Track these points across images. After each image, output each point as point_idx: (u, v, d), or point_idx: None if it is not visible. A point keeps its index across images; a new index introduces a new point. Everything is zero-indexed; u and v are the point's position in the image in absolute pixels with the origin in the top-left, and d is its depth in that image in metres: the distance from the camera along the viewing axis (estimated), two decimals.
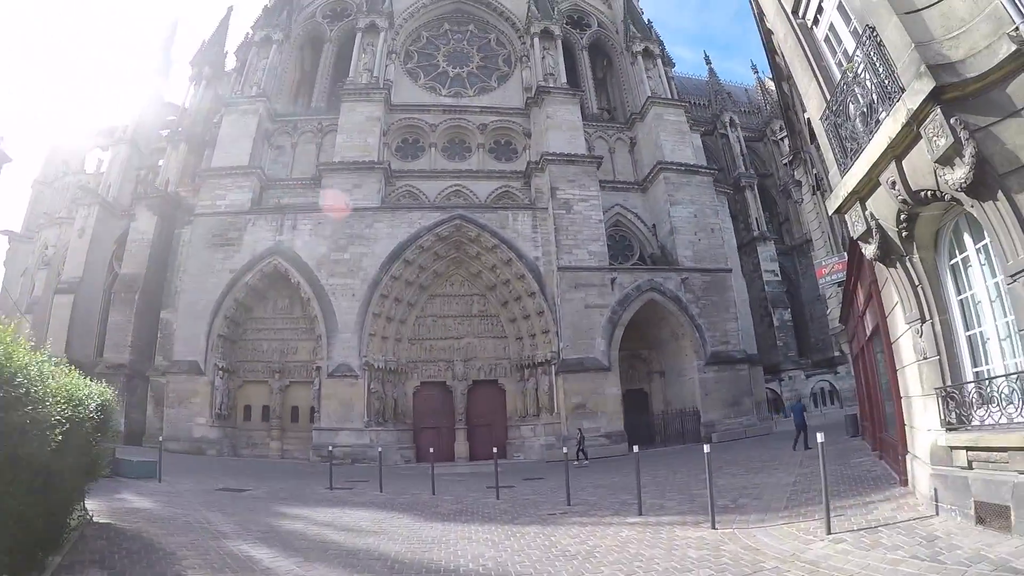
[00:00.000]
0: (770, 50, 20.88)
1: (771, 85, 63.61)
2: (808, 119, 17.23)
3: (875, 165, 7.83)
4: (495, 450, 19.62)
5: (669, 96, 40.15)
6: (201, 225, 33.53)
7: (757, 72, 59.89)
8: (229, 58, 46.85)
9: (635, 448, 15.70)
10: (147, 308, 36.33)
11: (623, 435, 30.21)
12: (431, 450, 21.54)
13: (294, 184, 36.30)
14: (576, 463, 25.14)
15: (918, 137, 6.77)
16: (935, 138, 6.42)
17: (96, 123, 51.19)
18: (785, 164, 28.22)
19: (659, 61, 42.18)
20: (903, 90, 6.79)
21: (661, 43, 43.30)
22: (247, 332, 33.69)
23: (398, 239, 32.46)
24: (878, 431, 16.15)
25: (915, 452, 10.26)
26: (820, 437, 9.69)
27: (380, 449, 22.18)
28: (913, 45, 6.64)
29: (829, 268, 18.37)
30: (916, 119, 6.61)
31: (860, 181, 8.40)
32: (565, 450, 17.78)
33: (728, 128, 47.85)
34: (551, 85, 37.91)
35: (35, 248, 46.98)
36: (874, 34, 7.37)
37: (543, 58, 39.57)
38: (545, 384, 31.20)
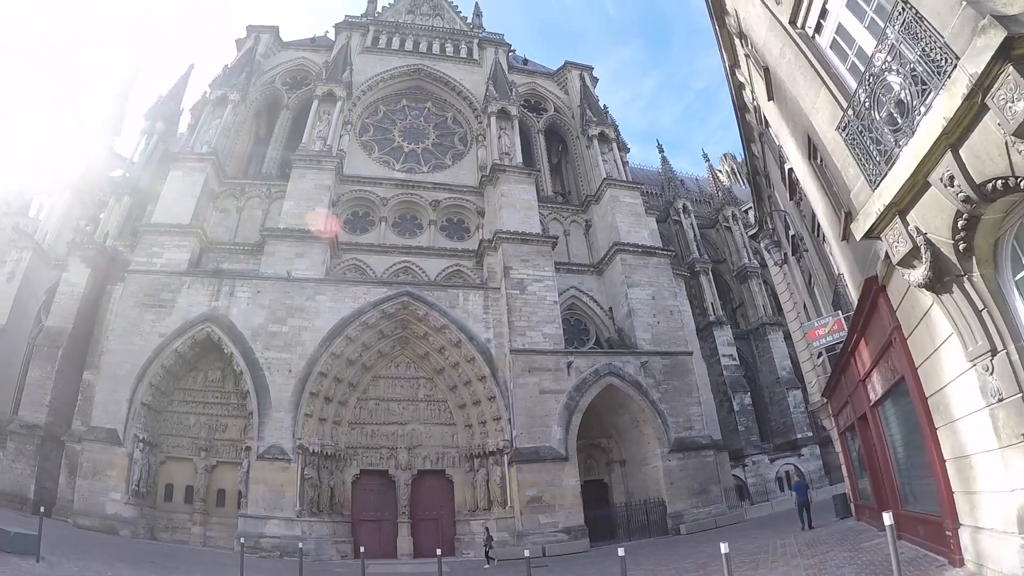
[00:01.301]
0: (740, 107, 19.49)
1: (723, 171, 64.21)
2: (790, 169, 15.43)
3: (923, 162, 6.16)
4: (439, 552, 16.35)
5: (625, 179, 38.98)
6: (134, 282, 30.09)
7: (708, 160, 60.31)
8: (185, 116, 44.33)
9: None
10: (70, 366, 32.08)
11: (584, 530, 27.15)
12: (364, 548, 19.16)
13: (236, 249, 33.36)
14: (487, 566, 22.71)
15: (982, 111, 5.31)
16: (1009, 105, 4.93)
17: (41, 167, 47.90)
18: (751, 236, 26.51)
19: (615, 145, 41.30)
20: (958, 57, 5.38)
21: (616, 128, 42.54)
22: (173, 403, 29.88)
23: (341, 314, 29.61)
24: (891, 506, 13.50)
25: (979, 523, 8.18)
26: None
27: (302, 544, 19.23)
28: (964, 3, 5.32)
29: (827, 328, 16.05)
30: (981, 86, 5.12)
31: (901, 189, 6.68)
32: (527, 552, 15.00)
33: (681, 214, 46.95)
34: (506, 163, 36.46)
35: None
36: (908, 6, 5.89)
37: (499, 137, 38.30)
38: (497, 475, 28.05)
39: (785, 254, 22.25)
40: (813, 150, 11.91)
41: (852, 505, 20.40)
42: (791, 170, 15.54)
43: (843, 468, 21.26)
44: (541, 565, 22.15)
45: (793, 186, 16.29)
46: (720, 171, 62.85)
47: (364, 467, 29.32)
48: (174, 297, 29.68)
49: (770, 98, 13.90)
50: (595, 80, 47.88)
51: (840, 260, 13.98)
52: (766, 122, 16.96)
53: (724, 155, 65.10)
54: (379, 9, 49.16)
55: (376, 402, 30.23)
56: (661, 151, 54.25)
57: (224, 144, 37.29)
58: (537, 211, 34.82)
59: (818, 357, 21.00)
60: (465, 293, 31.06)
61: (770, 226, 24.23)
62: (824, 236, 14.96)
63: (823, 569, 12.28)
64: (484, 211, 35.91)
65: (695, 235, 46.22)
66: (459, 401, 30.22)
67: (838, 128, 8.11)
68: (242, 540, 19.34)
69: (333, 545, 26.37)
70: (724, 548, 9.04)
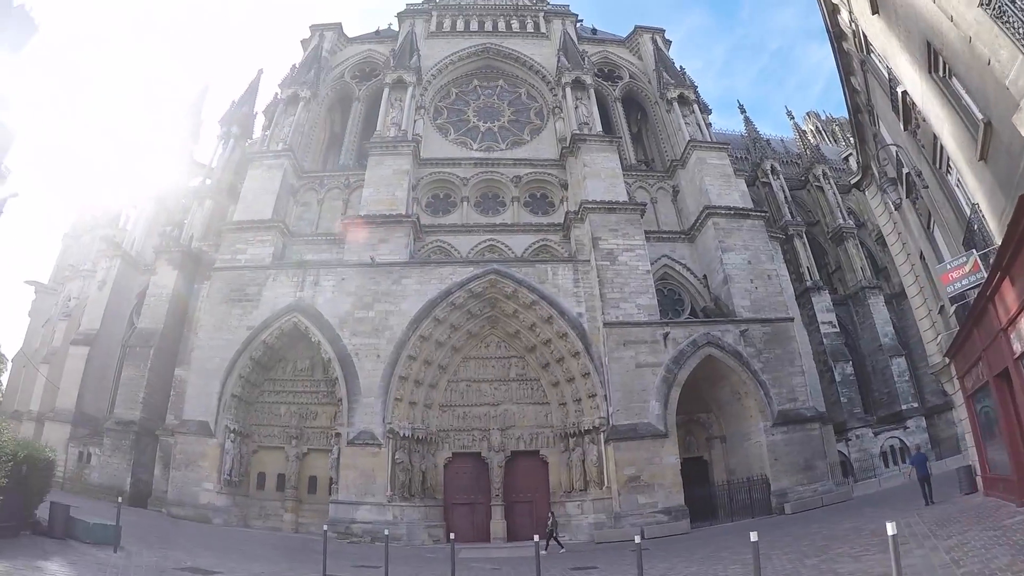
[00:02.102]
0: (836, 35, 17.40)
1: (808, 130, 60.04)
2: (903, 93, 13.25)
3: None
4: (536, 538, 14.80)
5: (710, 140, 36.34)
6: (219, 279, 30.18)
7: (792, 117, 56.37)
8: (259, 120, 44.61)
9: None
10: (162, 364, 32.79)
11: (684, 510, 25.35)
12: (457, 532, 18.24)
13: (319, 240, 33.09)
14: (545, 552, 20.48)
15: None
16: None
17: (126, 180, 49.14)
18: (853, 185, 23.76)
19: (695, 107, 38.67)
20: None
21: (695, 89, 39.83)
22: (264, 394, 29.90)
23: (427, 296, 28.55)
24: None
25: None
26: None
27: (388, 531, 18.34)
28: None
29: (965, 267, 13.33)
30: None
31: None
32: (637, 538, 13.44)
33: (770, 175, 43.70)
34: (586, 133, 34.55)
35: (59, 300, 44.11)
36: None
37: (576, 108, 36.37)
38: (593, 454, 26.51)
39: (899, 198, 19.60)
40: (934, 60, 10.07)
41: (979, 478, 17.76)
42: (904, 94, 13.36)
43: (969, 437, 18.44)
44: (641, 549, 20.59)
45: (907, 113, 13.94)
46: (804, 131, 58.77)
47: (456, 450, 28.38)
48: (260, 291, 29.45)
49: (874, 11, 12.06)
50: (668, 43, 45.20)
51: (975, 187, 11.51)
52: (867, 46, 14.90)
53: (808, 113, 60.83)
54: None
55: (467, 383, 29.18)
56: (743, 111, 50.81)
57: (299, 140, 37.12)
58: (622, 179, 32.77)
59: (939, 311, 18.41)
60: (554, 267, 29.45)
61: (876, 170, 21.58)
62: (950, 164, 12.74)
63: (967, 551, 10.33)
64: (567, 183, 34.14)
65: (786, 196, 42.97)
66: (552, 379, 28.77)
67: (981, 4, 6.33)
68: (325, 528, 18.46)
69: (425, 530, 25.59)
70: (891, 529, 7.57)
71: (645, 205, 33.19)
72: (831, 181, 46.33)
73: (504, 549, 23.91)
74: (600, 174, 31.89)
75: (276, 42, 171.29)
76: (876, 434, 38.43)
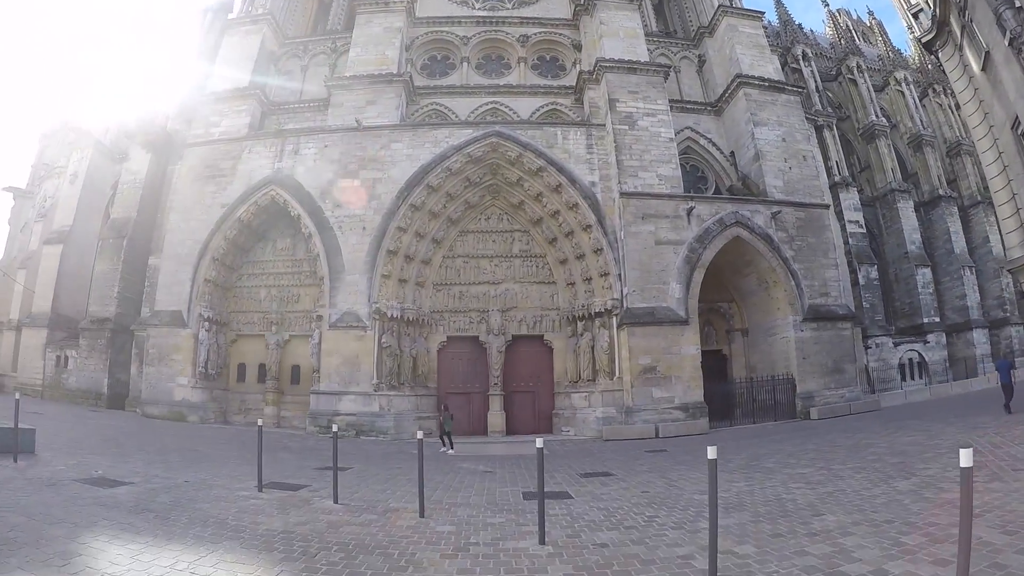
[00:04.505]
0: None
1: (843, 24, 53.84)
2: None
3: None
4: (538, 443, 10.70)
5: (742, 6, 30.65)
6: (193, 156, 25.75)
7: (827, 4, 50.06)
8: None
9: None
10: (137, 256, 28.71)
11: (703, 407, 21.65)
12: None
13: (301, 108, 28.25)
14: (443, 450, 17.43)
15: None
16: None
17: (102, 71, 43.77)
18: (925, 45, 18.73)
19: None
20: None
21: None
22: (242, 278, 25.91)
23: (420, 161, 23.91)
24: None
25: None
26: None
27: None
28: None
29: None
30: None
31: None
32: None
33: (801, 62, 38.09)
34: None
35: (35, 202, 39.51)
36: None
37: None
38: (604, 340, 22.45)
39: (987, 52, 14.81)
40: None
41: None
42: None
43: None
44: (657, 450, 16.73)
45: None
46: (839, 21, 52.46)
47: (451, 333, 24.47)
48: (234, 165, 25.11)
49: None
50: None
51: None
52: None
53: (839, 10, 54.37)
54: None
55: (464, 260, 24.89)
56: None
57: (282, 5, 31.83)
58: (643, 39, 27.39)
59: None
60: (564, 131, 24.53)
61: (956, 25, 16.64)
62: None
63: None
64: (581, 44, 28.73)
65: (817, 86, 37.50)
66: (559, 256, 24.42)
67: None
68: (260, 423, 14.43)
69: (415, 421, 21.83)
70: None
71: (670, 67, 28.03)
72: (865, 75, 40.77)
73: (501, 444, 20.28)
74: (618, 33, 26.56)
75: None
76: (896, 345, 34.68)
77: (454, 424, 18.24)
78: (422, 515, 8.32)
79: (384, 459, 15.42)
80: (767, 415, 22.74)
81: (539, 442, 7.35)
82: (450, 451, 17.50)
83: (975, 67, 16.14)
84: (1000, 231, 18.22)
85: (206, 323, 23.98)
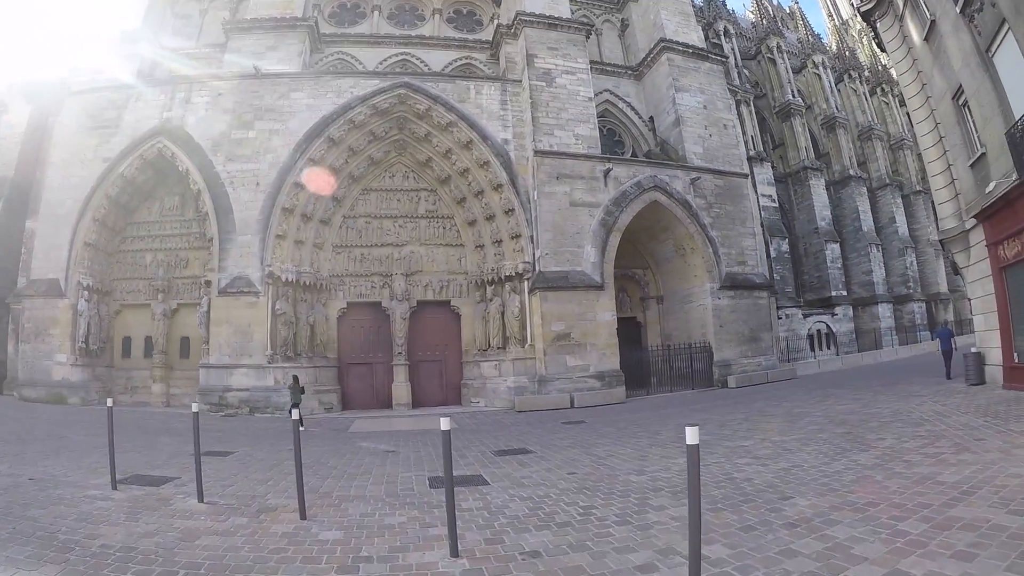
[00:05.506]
0: None
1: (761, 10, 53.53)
2: None
3: None
4: (443, 424, 8.90)
5: None
6: (75, 105, 22.06)
7: None
8: None
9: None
10: (13, 219, 24.47)
11: (619, 376, 20.39)
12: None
13: (198, 55, 24.97)
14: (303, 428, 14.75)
15: None
16: None
17: None
18: (863, 15, 17.67)
19: None
20: None
21: None
22: (126, 241, 22.63)
23: (322, 112, 21.35)
24: None
25: None
26: None
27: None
28: None
29: None
30: None
31: None
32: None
33: (722, 37, 37.32)
34: None
35: None
36: None
37: None
38: (515, 306, 20.73)
39: (932, 21, 13.85)
40: None
41: (996, 368, 13.42)
42: None
43: (984, 319, 13.97)
44: (575, 421, 15.20)
45: None
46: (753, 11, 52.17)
47: (352, 299, 22.14)
48: (120, 115, 21.71)
49: None
50: None
51: None
52: None
53: None
54: None
55: (366, 220, 22.50)
56: None
57: None
58: None
59: (972, 164, 13.42)
60: (478, 85, 22.36)
61: None
62: None
63: None
64: (500, 0, 26.61)
65: (736, 61, 36.82)
66: (468, 217, 22.42)
67: None
68: (110, 403, 11.96)
69: (315, 396, 19.68)
70: None
71: (592, 26, 26.37)
72: (784, 56, 40.41)
73: (407, 419, 18.22)
74: None
75: None
76: (805, 316, 34.90)
77: (355, 397, 16.00)
78: (303, 517, 6.27)
79: (276, 439, 13.13)
80: (684, 383, 21.91)
81: (444, 423, 5.35)
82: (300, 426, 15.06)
83: (916, 37, 15.40)
84: (934, 204, 17.56)
85: (86, 292, 20.69)
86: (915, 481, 6.34)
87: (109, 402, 9.17)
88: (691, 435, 3.56)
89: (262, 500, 7.24)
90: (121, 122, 21.66)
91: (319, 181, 21.11)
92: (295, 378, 16.70)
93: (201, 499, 7.07)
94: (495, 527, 5.87)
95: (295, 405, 15.32)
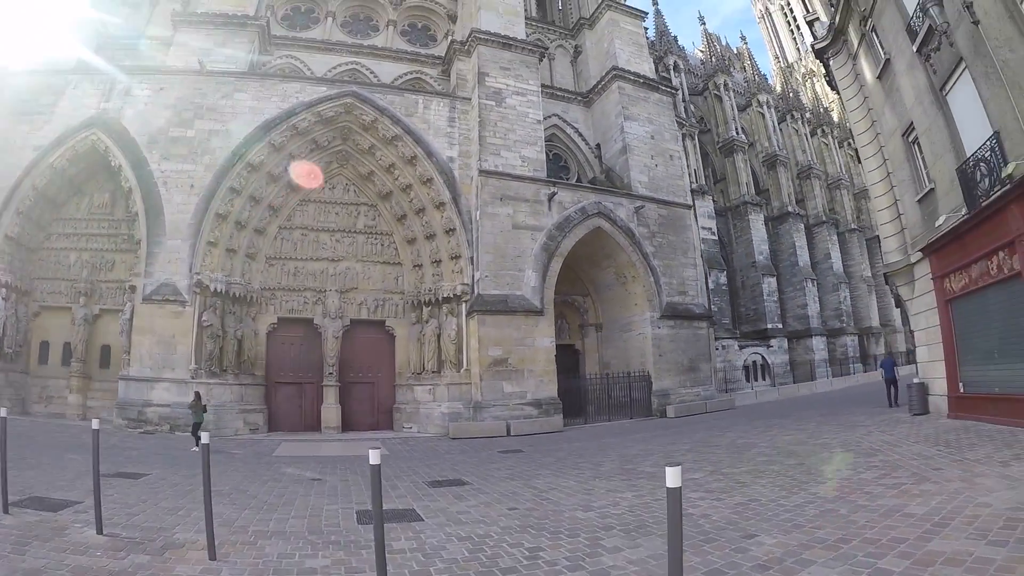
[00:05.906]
0: None
1: (720, 36, 54.88)
2: None
3: None
4: (372, 458, 8.57)
5: (625, 3, 29.36)
6: (8, 88, 20.06)
7: (704, 22, 50.89)
8: None
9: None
10: None
11: (557, 404, 19.97)
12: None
13: (144, 45, 23.67)
14: (193, 449, 13.73)
15: None
16: None
17: None
18: (817, 52, 17.94)
19: None
20: None
21: None
22: (51, 238, 20.79)
23: (265, 115, 20.32)
24: None
25: None
26: None
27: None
28: None
29: None
30: None
31: None
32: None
33: (671, 72, 37.98)
34: None
35: None
36: None
37: None
38: (452, 328, 20.08)
39: (887, 60, 14.14)
40: None
41: (940, 398, 13.61)
42: None
43: (929, 350, 14.19)
44: (512, 450, 14.64)
45: None
46: (712, 42, 53.39)
47: (283, 314, 21.00)
48: (56, 101, 19.99)
49: None
50: None
51: None
52: None
53: (710, 35, 55.29)
54: None
55: (303, 232, 21.45)
56: (655, 2, 43.80)
57: None
58: (523, 19, 25.24)
59: (920, 199, 13.73)
60: (427, 100, 21.80)
61: (854, 35, 16.14)
62: None
63: None
64: (456, 16, 26.18)
65: (684, 96, 37.48)
66: (408, 235, 21.65)
67: None
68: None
69: (240, 415, 18.62)
70: None
71: (546, 50, 26.19)
72: (731, 93, 41.34)
73: (336, 443, 17.25)
74: (497, 8, 24.18)
75: None
76: (741, 347, 35.52)
77: (283, 418, 14.79)
78: (212, 557, 5.42)
79: (194, 462, 11.92)
80: (623, 412, 21.57)
81: (374, 456, 4.58)
82: (194, 448, 13.95)
83: (868, 75, 15.83)
84: (872, 241, 17.97)
85: (3, 290, 18.88)
86: (882, 514, 6.07)
87: (3, 411, 8.05)
88: (672, 477, 2.95)
89: (169, 534, 6.34)
90: (57, 109, 19.96)
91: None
92: (197, 395, 15.51)
93: (100, 530, 6.13)
94: (431, 573, 5.22)
95: (197, 425, 14.21)
